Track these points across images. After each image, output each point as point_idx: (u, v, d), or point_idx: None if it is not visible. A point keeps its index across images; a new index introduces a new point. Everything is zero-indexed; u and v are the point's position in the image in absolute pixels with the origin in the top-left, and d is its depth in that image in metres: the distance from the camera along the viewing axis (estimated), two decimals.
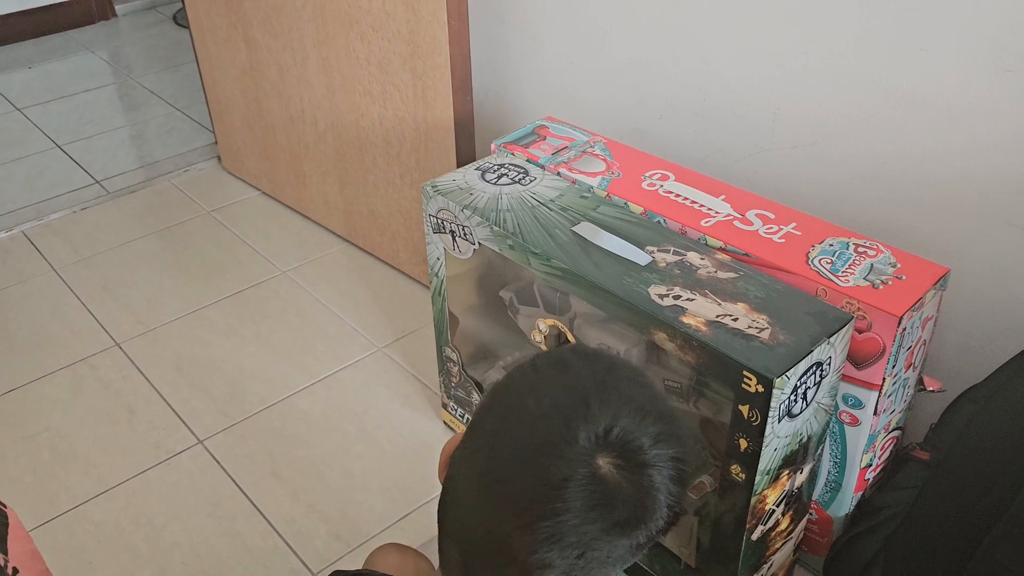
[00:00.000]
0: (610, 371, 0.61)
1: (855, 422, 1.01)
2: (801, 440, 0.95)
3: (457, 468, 0.64)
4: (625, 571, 1.20)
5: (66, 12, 3.17)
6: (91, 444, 1.44)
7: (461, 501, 0.63)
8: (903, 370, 1.00)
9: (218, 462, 1.40)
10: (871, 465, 1.07)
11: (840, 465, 1.06)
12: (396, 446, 1.42)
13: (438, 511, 0.66)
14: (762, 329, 0.91)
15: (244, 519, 1.31)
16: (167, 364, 1.61)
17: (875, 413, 0.99)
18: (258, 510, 1.32)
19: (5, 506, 0.84)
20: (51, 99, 2.67)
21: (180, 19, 3.24)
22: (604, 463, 0.56)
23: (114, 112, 2.64)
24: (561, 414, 0.57)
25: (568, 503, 0.55)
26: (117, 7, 3.33)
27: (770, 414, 0.87)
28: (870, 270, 0.98)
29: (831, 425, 1.03)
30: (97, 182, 2.23)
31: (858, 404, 0.99)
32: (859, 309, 0.94)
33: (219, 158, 2.28)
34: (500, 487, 0.58)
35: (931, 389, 1.06)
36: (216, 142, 2.27)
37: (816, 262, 1.00)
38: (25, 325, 1.72)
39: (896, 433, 1.09)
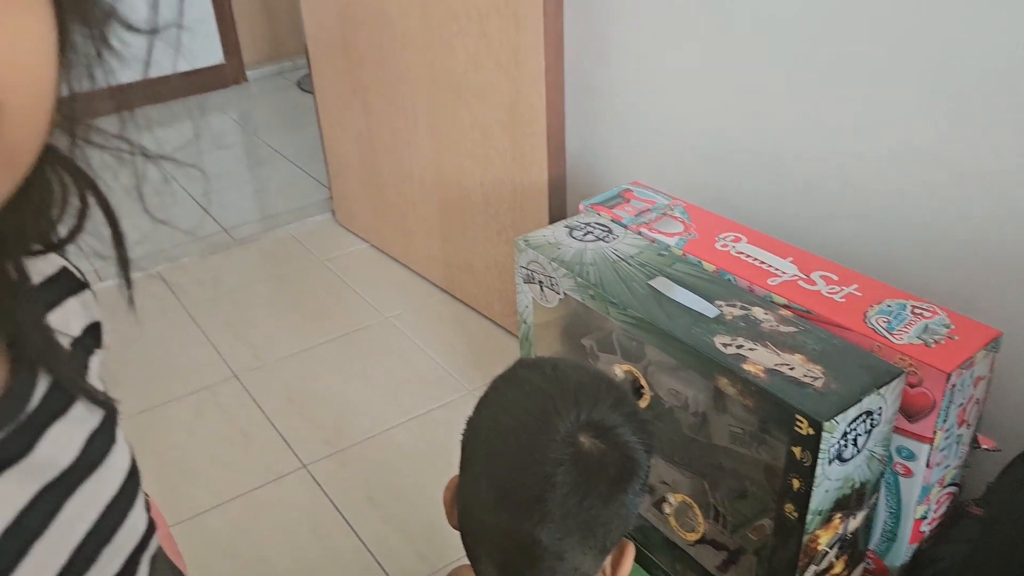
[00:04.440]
0: (555, 369, 0.72)
1: (908, 473, 1.07)
2: (853, 485, 1.02)
3: (467, 501, 0.74)
4: None
5: (205, 77, 3.51)
6: (210, 463, 1.61)
7: (483, 525, 0.72)
8: (956, 426, 1.06)
9: (320, 485, 1.55)
10: (926, 518, 1.12)
11: (895, 515, 1.11)
12: None
13: (464, 545, 0.76)
14: (816, 378, 0.99)
15: (340, 537, 1.44)
16: (279, 395, 1.77)
17: (928, 466, 1.05)
18: (353, 530, 1.45)
19: (147, 495, 0.99)
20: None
21: (304, 85, 3.54)
22: (585, 440, 0.67)
23: (242, 168, 2.91)
24: (534, 417, 0.68)
25: (567, 483, 0.66)
26: (248, 72, 3.65)
27: (820, 456, 0.94)
28: (924, 330, 1.05)
29: (885, 475, 1.09)
30: (225, 230, 2.47)
31: (911, 456, 1.06)
32: (911, 365, 1.01)
33: (333, 212, 2.49)
34: (511, 497, 0.68)
35: (985, 447, 1.11)
36: (331, 197, 2.48)
37: (873, 320, 1.08)
38: (159, 355, 1.92)
39: (952, 489, 1.14)
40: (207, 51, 3.48)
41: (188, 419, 1.72)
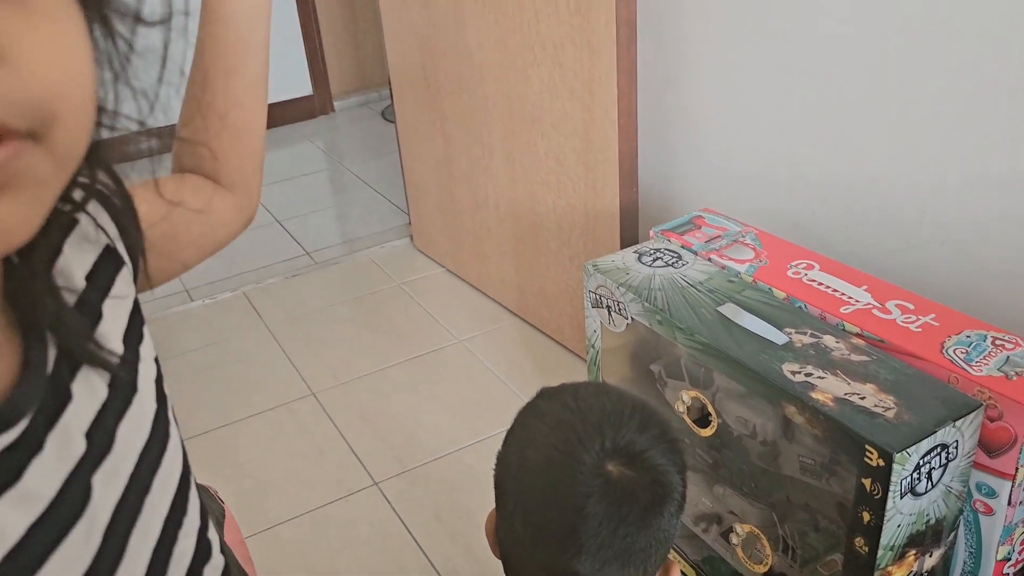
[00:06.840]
0: (577, 397, 0.71)
1: (989, 511, 1.03)
2: (928, 521, 0.99)
3: (505, 537, 0.74)
4: None
5: (294, 107, 3.64)
6: (286, 476, 1.65)
7: (522, 560, 0.72)
8: None
9: (389, 502, 1.57)
10: (1009, 559, 1.07)
11: (975, 556, 1.07)
12: None
13: None
14: (888, 408, 0.97)
15: (408, 554, 1.46)
16: (354, 413, 1.82)
17: (1009, 503, 1.01)
18: (420, 547, 1.47)
19: (223, 503, 1.03)
20: (276, 181, 3.07)
21: (388, 115, 3.64)
22: (613, 468, 0.66)
23: (326, 194, 3.00)
24: (559, 451, 0.68)
25: (598, 514, 0.65)
26: (335, 103, 3.78)
27: (891, 488, 0.92)
28: (1005, 362, 1.01)
29: (965, 513, 1.05)
30: (307, 253, 2.55)
31: (992, 493, 1.02)
32: (990, 398, 0.98)
33: (411, 237, 2.54)
34: (544, 533, 0.68)
35: None
36: (410, 223, 2.53)
37: (950, 351, 1.04)
38: (241, 371, 1.99)
39: None
40: (296, 82, 3.62)
41: (267, 434, 1.78)
